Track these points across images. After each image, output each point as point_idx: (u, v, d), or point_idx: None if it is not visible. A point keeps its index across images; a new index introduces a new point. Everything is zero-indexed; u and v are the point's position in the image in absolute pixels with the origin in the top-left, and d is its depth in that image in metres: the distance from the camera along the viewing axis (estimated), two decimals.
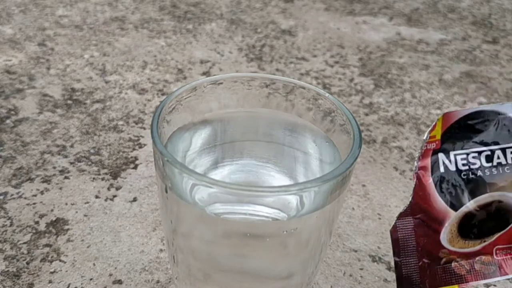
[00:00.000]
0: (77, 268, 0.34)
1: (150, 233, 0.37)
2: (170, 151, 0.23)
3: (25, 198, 0.39)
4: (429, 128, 0.28)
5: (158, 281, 0.33)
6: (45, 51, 0.59)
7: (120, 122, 0.48)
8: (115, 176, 0.42)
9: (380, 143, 0.48)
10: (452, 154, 0.28)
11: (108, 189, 0.41)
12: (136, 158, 0.44)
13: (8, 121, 0.47)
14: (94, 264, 0.34)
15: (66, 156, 0.44)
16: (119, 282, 0.33)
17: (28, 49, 0.60)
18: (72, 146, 0.45)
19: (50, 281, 0.33)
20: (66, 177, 0.41)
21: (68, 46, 0.61)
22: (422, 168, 0.28)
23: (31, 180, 0.41)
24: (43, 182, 0.41)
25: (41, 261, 0.34)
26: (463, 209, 0.28)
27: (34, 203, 0.39)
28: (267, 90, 0.28)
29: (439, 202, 0.28)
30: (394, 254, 0.28)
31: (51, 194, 0.40)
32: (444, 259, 0.29)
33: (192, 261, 0.26)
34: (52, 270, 0.34)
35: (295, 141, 0.30)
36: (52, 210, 0.38)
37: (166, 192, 0.24)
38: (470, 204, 0.28)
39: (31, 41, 0.61)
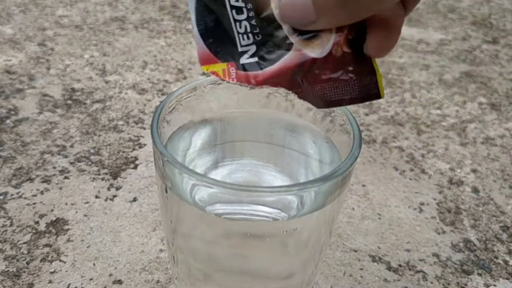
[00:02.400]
0: (77, 268, 0.34)
1: (150, 233, 0.37)
2: (170, 151, 0.23)
3: (25, 198, 0.39)
4: None
5: (158, 281, 0.33)
6: (45, 51, 0.59)
7: (120, 122, 0.48)
8: (115, 176, 0.42)
9: (380, 143, 0.48)
10: None
11: (108, 189, 0.41)
12: (136, 158, 0.44)
13: (8, 121, 0.47)
14: (94, 264, 0.34)
15: (66, 156, 0.44)
16: (119, 282, 0.33)
17: (28, 49, 0.60)
18: (72, 146, 0.45)
19: (50, 281, 0.33)
20: (66, 177, 0.41)
21: (68, 46, 0.61)
22: None
23: (31, 180, 0.41)
24: (43, 182, 0.41)
25: (41, 261, 0.34)
26: None
27: (34, 203, 0.39)
28: (267, 90, 0.28)
29: None
30: None
31: (51, 194, 0.40)
32: None
33: (192, 261, 0.26)
34: (52, 270, 0.34)
35: (295, 141, 0.30)
36: (52, 210, 0.38)
37: (166, 192, 0.24)
38: None
39: (31, 41, 0.61)
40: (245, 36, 0.23)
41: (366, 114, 0.52)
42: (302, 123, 0.29)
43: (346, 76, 0.23)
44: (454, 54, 0.66)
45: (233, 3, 0.22)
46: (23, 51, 0.59)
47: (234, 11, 0.22)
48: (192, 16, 0.23)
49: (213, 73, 0.23)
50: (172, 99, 0.26)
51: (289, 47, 0.22)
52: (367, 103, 0.54)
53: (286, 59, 0.23)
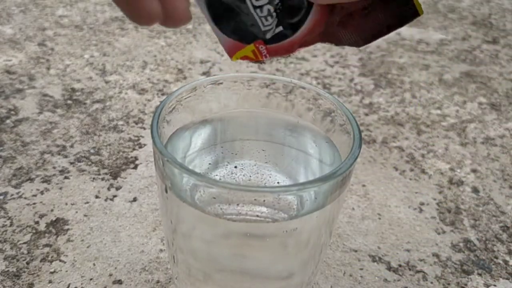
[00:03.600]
0: (77, 268, 0.34)
1: (150, 233, 0.37)
2: (170, 151, 0.23)
3: (25, 198, 0.39)
4: None
5: (158, 281, 0.33)
6: (45, 51, 0.59)
7: (120, 122, 0.48)
8: (115, 176, 0.42)
9: (380, 143, 0.48)
10: None
11: (108, 189, 0.41)
12: (136, 158, 0.44)
13: (8, 121, 0.47)
14: (94, 264, 0.34)
15: (66, 156, 0.44)
16: (119, 282, 0.33)
17: (28, 49, 0.60)
18: (72, 146, 0.45)
19: (50, 281, 0.33)
20: (66, 177, 0.41)
21: (68, 46, 0.61)
22: None
23: (31, 180, 0.41)
24: (43, 182, 0.41)
25: (41, 261, 0.34)
26: None
27: (34, 203, 0.39)
28: (267, 90, 0.28)
29: None
30: None
31: (51, 194, 0.40)
32: None
33: (192, 261, 0.26)
34: (52, 270, 0.34)
35: (295, 141, 0.30)
36: (52, 210, 0.38)
37: (166, 192, 0.24)
38: None
39: (31, 41, 0.61)
40: (267, 18, 0.22)
41: (366, 114, 0.52)
42: (302, 123, 0.29)
43: (378, 5, 0.21)
44: (454, 54, 0.66)
45: None
46: (23, 51, 0.59)
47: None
48: (205, 11, 0.23)
49: (244, 58, 0.22)
50: (172, 99, 0.26)
51: (309, 4, 0.21)
52: (367, 102, 0.54)
53: (314, 14, 0.22)
